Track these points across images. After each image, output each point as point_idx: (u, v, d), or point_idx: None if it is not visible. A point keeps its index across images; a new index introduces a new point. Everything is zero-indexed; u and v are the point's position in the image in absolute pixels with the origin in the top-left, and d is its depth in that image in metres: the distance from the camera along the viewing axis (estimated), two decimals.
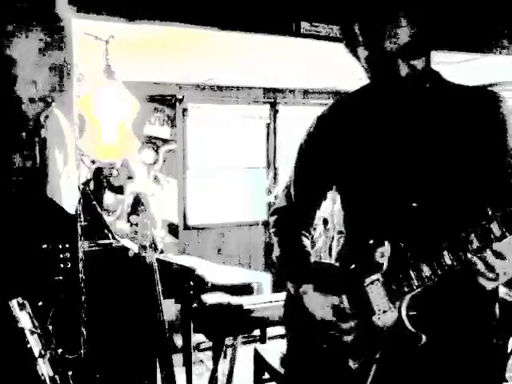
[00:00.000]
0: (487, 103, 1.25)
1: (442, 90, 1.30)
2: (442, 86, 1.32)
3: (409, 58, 1.22)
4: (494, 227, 1.04)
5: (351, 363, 1.30)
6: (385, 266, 1.25)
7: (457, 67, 3.65)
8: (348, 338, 1.30)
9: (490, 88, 1.34)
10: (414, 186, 1.27)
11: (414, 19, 1.19)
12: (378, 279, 1.26)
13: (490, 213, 1.04)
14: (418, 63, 1.24)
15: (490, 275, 1.07)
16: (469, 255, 1.08)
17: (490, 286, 1.11)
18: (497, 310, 1.32)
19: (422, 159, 1.26)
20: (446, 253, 1.12)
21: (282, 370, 2.28)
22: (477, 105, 1.26)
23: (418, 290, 1.18)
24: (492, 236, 1.04)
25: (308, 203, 1.54)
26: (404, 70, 1.22)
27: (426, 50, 1.26)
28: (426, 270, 1.16)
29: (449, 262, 1.12)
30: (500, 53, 3.33)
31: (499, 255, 1.05)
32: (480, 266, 1.07)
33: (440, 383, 1.29)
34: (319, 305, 1.34)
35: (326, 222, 4.97)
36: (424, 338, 1.18)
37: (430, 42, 1.25)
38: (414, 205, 1.25)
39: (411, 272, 1.19)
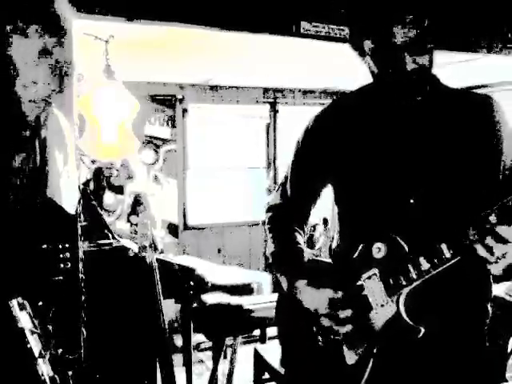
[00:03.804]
0: (481, 107, 1.29)
1: (439, 93, 1.33)
2: (440, 89, 1.35)
3: (415, 53, 1.23)
4: (493, 219, 1.06)
5: (348, 359, 1.30)
6: (382, 261, 1.25)
7: (457, 67, 3.65)
8: (343, 330, 1.30)
9: (488, 89, 1.38)
10: (411, 182, 1.29)
11: (423, 14, 1.21)
12: (375, 274, 1.27)
13: (487, 209, 1.06)
14: (423, 60, 1.25)
15: (491, 259, 1.08)
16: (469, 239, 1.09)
17: (493, 269, 1.12)
18: (489, 306, 1.34)
19: (419, 156, 1.28)
20: (444, 246, 1.13)
21: (282, 370, 2.28)
22: (472, 109, 1.29)
23: (416, 283, 1.19)
24: (489, 229, 1.06)
25: (303, 200, 1.55)
26: (410, 65, 1.24)
27: (432, 47, 1.28)
28: (424, 264, 1.17)
29: (447, 255, 1.13)
30: (500, 53, 3.33)
31: (500, 239, 1.06)
32: (480, 250, 1.08)
33: (438, 377, 1.30)
34: (313, 298, 1.34)
35: (326, 221, 4.97)
36: (422, 330, 1.19)
37: (435, 39, 1.27)
38: (412, 201, 1.27)
39: (409, 266, 1.19)
